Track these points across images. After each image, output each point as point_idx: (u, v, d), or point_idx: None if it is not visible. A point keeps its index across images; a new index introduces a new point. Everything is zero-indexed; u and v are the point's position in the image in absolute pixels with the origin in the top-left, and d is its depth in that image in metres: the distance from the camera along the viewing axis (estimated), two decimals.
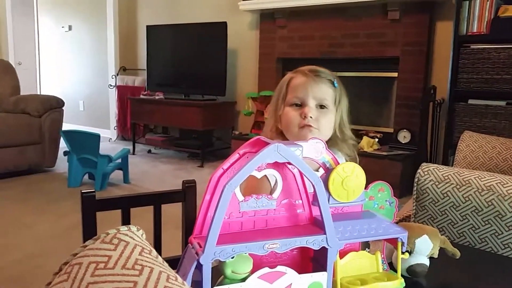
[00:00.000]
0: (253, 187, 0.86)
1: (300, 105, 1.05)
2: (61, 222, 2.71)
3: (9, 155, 3.67)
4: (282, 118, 1.07)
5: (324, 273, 0.63)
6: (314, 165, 0.71)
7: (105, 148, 4.31)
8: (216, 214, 0.55)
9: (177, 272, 0.60)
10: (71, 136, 3.39)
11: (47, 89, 6.59)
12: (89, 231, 1.02)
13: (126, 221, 1.07)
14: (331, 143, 1.07)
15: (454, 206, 1.14)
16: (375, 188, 0.75)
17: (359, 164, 0.69)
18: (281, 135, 1.08)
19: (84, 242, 0.45)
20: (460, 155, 1.87)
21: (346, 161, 1.06)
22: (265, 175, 0.64)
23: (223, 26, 4.32)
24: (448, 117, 3.03)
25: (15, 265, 2.14)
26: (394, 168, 3.24)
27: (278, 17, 4.15)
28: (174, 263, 0.63)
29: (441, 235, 0.85)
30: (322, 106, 1.05)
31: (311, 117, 1.02)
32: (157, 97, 4.77)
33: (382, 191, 0.75)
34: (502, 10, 2.82)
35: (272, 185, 0.86)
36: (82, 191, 1.02)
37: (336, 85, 1.08)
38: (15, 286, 1.96)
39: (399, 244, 0.68)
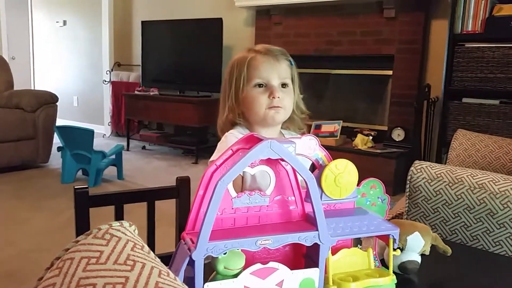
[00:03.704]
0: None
1: (263, 86, 1.03)
2: (54, 218, 2.70)
3: (2, 151, 3.65)
4: (245, 100, 1.05)
5: (316, 269, 0.63)
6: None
7: (99, 144, 4.30)
8: (209, 210, 0.55)
9: (169, 268, 0.60)
10: (65, 131, 3.37)
11: (41, 84, 6.55)
12: (82, 227, 1.01)
13: (119, 217, 1.07)
14: (289, 120, 1.10)
15: (447, 204, 1.15)
16: (367, 185, 0.75)
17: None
18: (243, 119, 1.07)
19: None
20: (453, 153, 1.88)
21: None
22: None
23: (218, 22, 4.30)
24: (442, 115, 3.04)
25: (8, 261, 2.13)
26: (387, 166, 3.25)
27: (274, 14, 4.15)
28: (167, 259, 0.63)
29: (434, 232, 0.85)
30: (284, 85, 1.05)
31: (278, 97, 1.02)
32: (151, 93, 4.76)
33: (374, 188, 0.76)
34: (496, 9, 2.83)
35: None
36: (75, 187, 1.02)
37: (292, 63, 1.08)
38: (8, 281, 1.96)
39: (391, 241, 0.69)
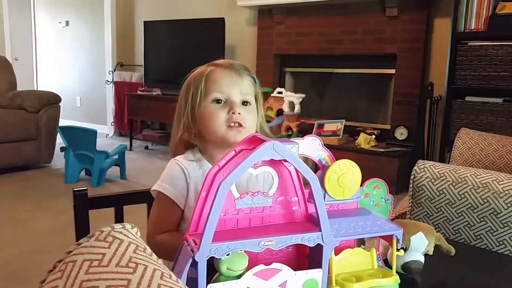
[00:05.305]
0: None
1: (222, 102, 0.92)
2: (57, 219, 2.71)
3: (5, 151, 3.66)
4: (202, 117, 0.93)
5: (319, 270, 0.63)
6: None
7: (102, 144, 4.30)
8: (212, 211, 0.55)
9: (172, 269, 0.60)
10: (68, 132, 3.38)
11: (44, 84, 6.57)
12: (82, 229, 1.01)
13: (119, 219, 1.06)
14: None
15: (450, 203, 1.14)
16: (370, 185, 0.75)
17: None
18: (198, 139, 0.95)
19: (77, 240, 0.45)
20: (456, 152, 1.88)
21: None
22: None
23: (221, 22, 4.30)
24: (445, 114, 3.03)
25: (10, 261, 2.13)
26: (390, 165, 3.24)
27: (276, 13, 4.14)
28: None
29: (437, 232, 0.85)
30: (245, 103, 0.94)
31: (239, 113, 0.90)
32: (154, 93, 4.76)
33: (378, 188, 0.75)
34: (500, 7, 2.82)
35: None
36: (74, 189, 1.01)
37: (256, 81, 0.99)
38: (10, 282, 1.96)
39: (394, 241, 0.68)
